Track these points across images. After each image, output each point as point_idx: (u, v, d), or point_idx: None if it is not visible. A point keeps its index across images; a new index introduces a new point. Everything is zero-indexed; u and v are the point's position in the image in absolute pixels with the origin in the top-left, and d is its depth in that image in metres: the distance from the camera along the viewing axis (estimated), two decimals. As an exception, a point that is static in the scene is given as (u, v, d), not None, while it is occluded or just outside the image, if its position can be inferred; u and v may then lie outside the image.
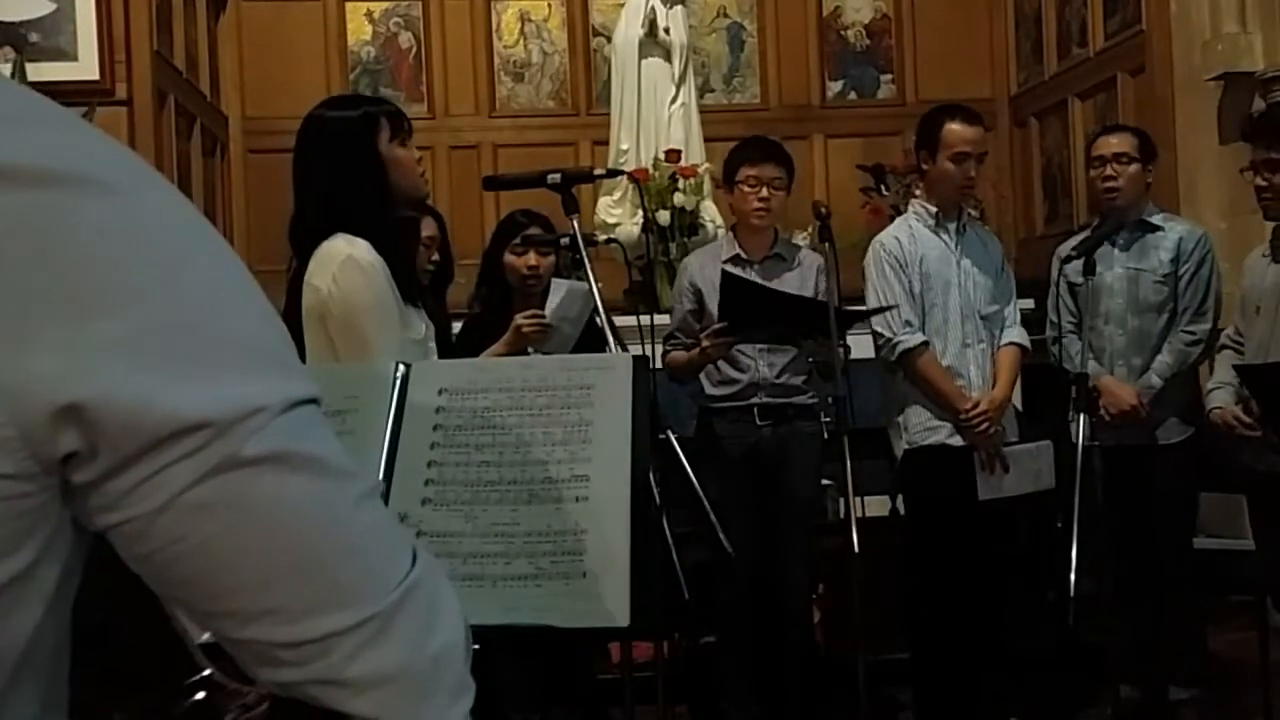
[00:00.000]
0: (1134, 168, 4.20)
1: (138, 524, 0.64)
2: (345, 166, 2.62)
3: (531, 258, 3.92)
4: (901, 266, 3.98)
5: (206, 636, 0.77)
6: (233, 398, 0.64)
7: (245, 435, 0.64)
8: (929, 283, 3.99)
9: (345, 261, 2.54)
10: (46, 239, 0.60)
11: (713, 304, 4.10)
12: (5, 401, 0.59)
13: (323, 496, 0.68)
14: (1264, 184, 3.89)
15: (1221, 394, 3.98)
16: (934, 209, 4.04)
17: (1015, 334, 4.08)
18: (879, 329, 3.98)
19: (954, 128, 4.01)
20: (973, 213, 4.28)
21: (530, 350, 3.65)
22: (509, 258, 3.96)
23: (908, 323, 3.95)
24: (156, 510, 0.64)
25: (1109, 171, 4.20)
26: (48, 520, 0.64)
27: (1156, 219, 4.27)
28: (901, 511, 4.61)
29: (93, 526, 0.66)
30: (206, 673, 0.76)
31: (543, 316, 3.70)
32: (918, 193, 4.26)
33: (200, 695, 0.75)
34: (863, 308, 4.07)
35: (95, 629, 0.69)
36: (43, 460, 0.62)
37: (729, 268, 4.11)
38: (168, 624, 0.75)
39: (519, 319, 3.68)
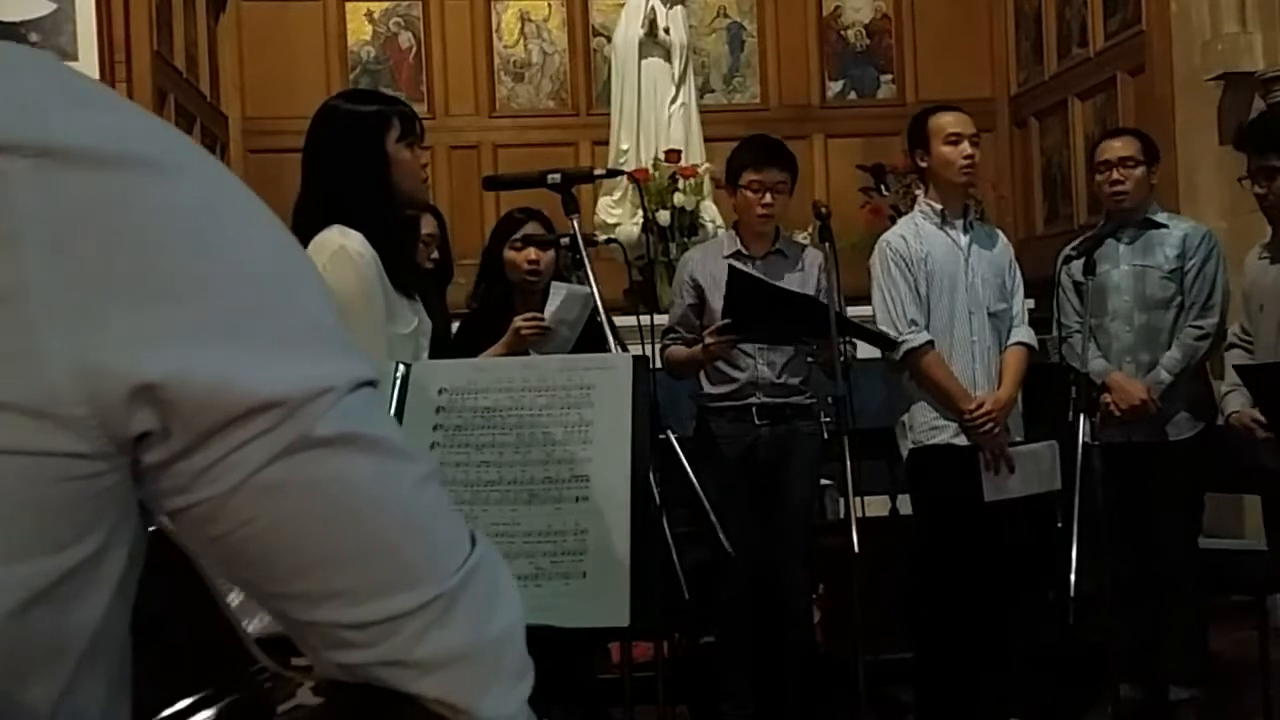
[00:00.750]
0: (1139, 170, 4.20)
1: (209, 505, 0.64)
2: (349, 160, 2.66)
3: (532, 253, 3.92)
4: (907, 265, 3.98)
5: (254, 626, 0.77)
6: (303, 377, 0.64)
7: (316, 415, 0.64)
8: (935, 281, 3.99)
9: (337, 252, 2.58)
10: (115, 220, 0.61)
11: (713, 299, 4.10)
12: (80, 381, 0.60)
13: (389, 478, 0.68)
14: (1263, 192, 3.89)
15: (1237, 397, 3.98)
16: (939, 206, 4.04)
17: (1023, 334, 4.08)
18: (884, 328, 3.98)
19: (942, 117, 4.07)
20: (974, 214, 4.26)
21: (529, 352, 3.65)
22: (509, 254, 3.95)
23: (913, 322, 3.95)
24: (229, 491, 0.64)
25: (1115, 175, 4.20)
26: (117, 504, 0.64)
27: (1161, 217, 4.28)
28: (902, 512, 4.61)
29: (161, 510, 0.66)
30: (262, 663, 0.76)
31: (542, 319, 3.70)
32: (918, 193, 4.26)
33: (257, 686, 0.75)
34: (868, 310, 4.07)
35: (150, 619, 0.68)
36: (117, 440, 0.62)
37: (733, 263, 4.11)
38: (219, 614, 0.75)
39: (518, 321, 3.68)
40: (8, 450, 0.59)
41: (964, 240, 4.05)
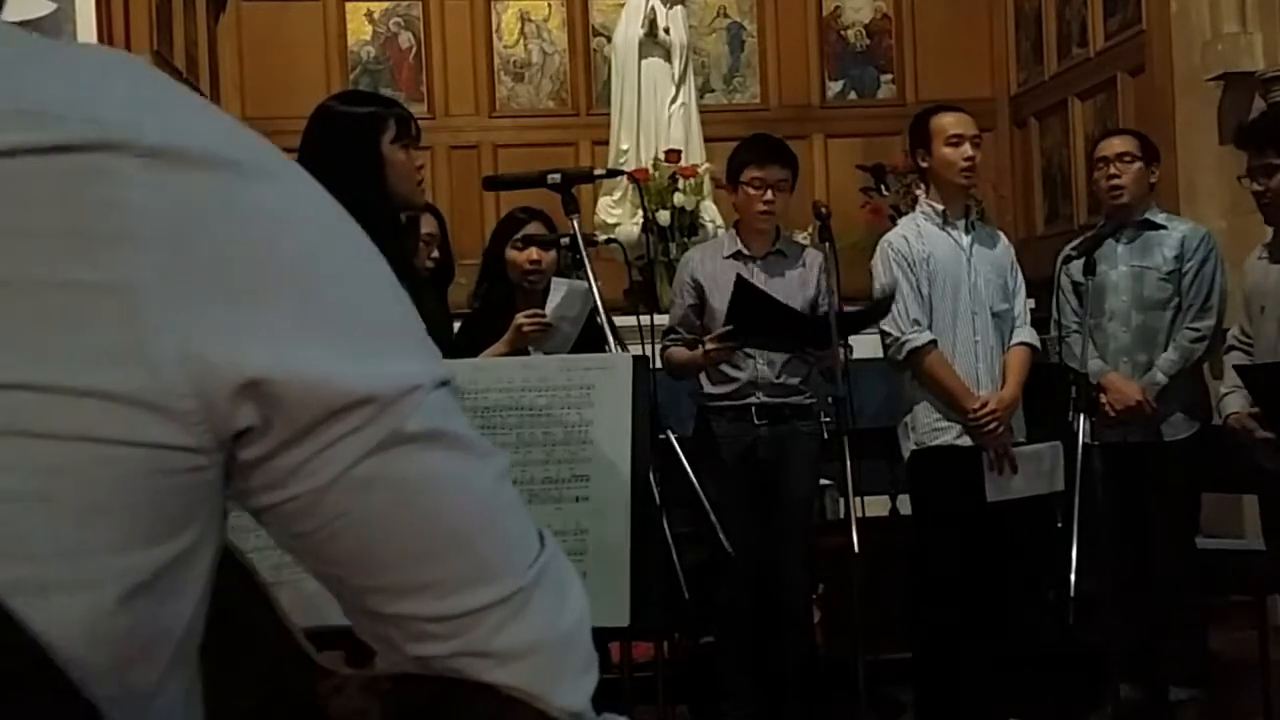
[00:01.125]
0: (1137, 166, 4.21)
1: (303, 501, 0.66)
2: (344, 161, 2.63)
3: (533, 253, 3.92)
4: (909, 265, 3.98)
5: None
6: (395, 374, 0.66)
7: (407, 412, 0.66)
8: (937, 281, 3.99)
9: None
10: (221, 220, 0.63)
11: (714, 299, 4.10)
12: (190, 376, 0.61)
13: (472, 474, 0.70)
14: (1261, 189, 3.90)
15: (1236, 398, 3.98)
16: (940, 207, 4.04)
17: (1026, 334, 4.08)
18: (886, 328, 3.98)
19: (943, 117, 4.07)
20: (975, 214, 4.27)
21: (530, 350, 3.65)
22: (510, 253, 3.95)
23: (915, 321, 3.95)
24: (324, 486, 0.65)
25: (1112, 170, 4.21)
26: (211, 499, 0.66)
27: (1160, 218, 4.28)
28: (902, 512, 4.61)
29: (250, 506, 0.68)
30: (316, 659, 0.77)
31: (543, 316, 3.70)
32: (919, 193, 4.26)
33: (320, 683, 0.76)
34: (863, 307, 4.06)
35: (211, 616, 0.69)
36: (220, 435, 0.63)
37: (734, 263, 4.11)
38: (271, 610, 0.76)
39: (520, 318, 3.68)
40: (123, 441, 0.60)
41: (966, 241, 4.05)
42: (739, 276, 3.98)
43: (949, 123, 4.04)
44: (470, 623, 0.69)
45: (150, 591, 0.63)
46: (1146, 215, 4.25)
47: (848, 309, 3.93)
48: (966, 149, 4.01)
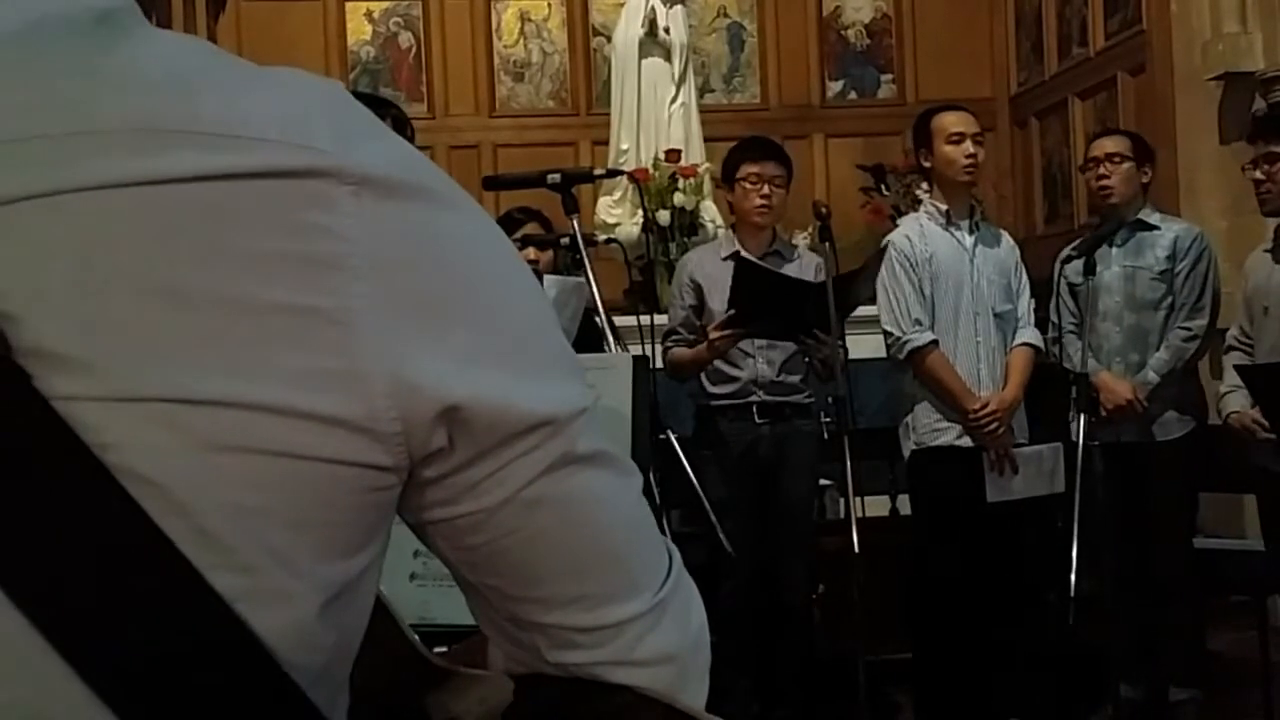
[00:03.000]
0: (1126, 166, 4.21)
1: (476, 518, 0.69)
2: None
3: (530, 253, 3.93)
4: (912, 265, 3.98)
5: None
6: (567, 398, 0.69)
7: (576, 433, 0.69)
8: (940, 281, 3.99)
9: None
10: (423, 249, 0.65)
11: (713, 300, 4.11)
12: (397, 401, 0.64)
13: (624, 493, 0.74)
14: (1262, 177, 3.90)
15: (1237, 397, 3.98)
16: (944, 207, 4.05)
17: (1028, 334, 4.08)
18: (888, 327, 3.98)
19: (945, 116, 4.08)
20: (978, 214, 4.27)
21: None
22: (508, 256, 3.96)
23: (917, 321, 3.95)
24: (498, 505, 0.68)
25: (1102, 170, 4.22)
26: (392, 511, 0.69)
27: (1154, 219, 4.28)
28: (902, 512, 4.61)
29: (419, 519, 0.71)
30: (436, 662, 0.80)
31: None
32: (920, 193, 4.27)
33: (439, 685, 0.79)
34: (872, 310, 4.07)
35: None
36: (414, 456, 0.66)
37: (732, 264, 4.11)
38: (387, 615, 0.78)
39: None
40: (335, 460, 0.63)
41: (969, 241, 4.05)
42: (738, 256, 4.00)
43: (951, 121, 4.04)
44: (615, 634, 0.73)
45: (342, 600, 0.66)
46: (1140, 215, 4.25)
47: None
48: (968, 147, 4.01)
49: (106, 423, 0.59)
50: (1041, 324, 4.38)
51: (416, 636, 0.80)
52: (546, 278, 3.88)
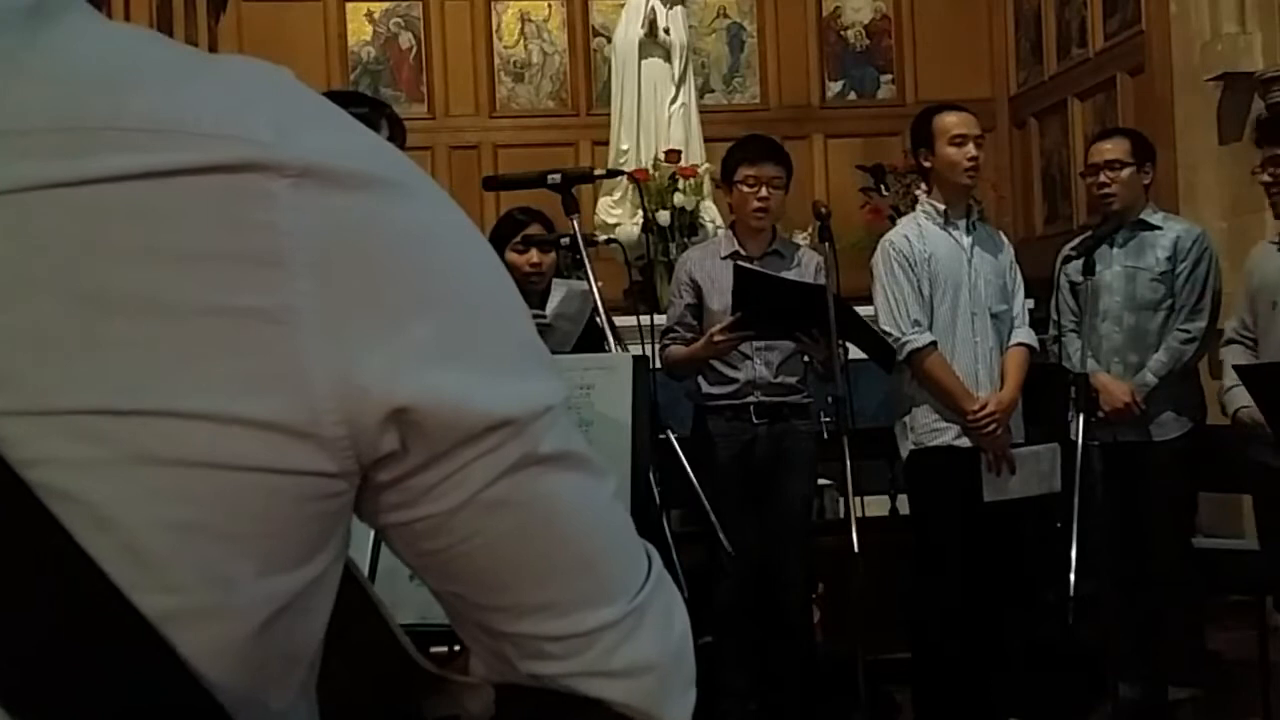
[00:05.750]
0: (1127, 172, 4.20)
1: (433, 521, 0.65)
2: None
3: (534, 255, 3.93)
4: (910, 265, 3.98)
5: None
6: (530, 395, 0.65)
7: (540, 433, 0.65)
8: (938, 281, 3.99)
9: None
10: (369, 242, 0.61)
11: (711, 299, 4.11)
12: (341, 403, 0.60)
13: (593, 494, 0.70)
14: (1271, 180, 3.89)
15: (1242, 392, 3.98)
16: (942, 207, 4.04)
17: (1024, 334, 4.08)
18: (886, 328, 3.98)
19: (946, 117, 4.07)
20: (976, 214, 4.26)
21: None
22: (510, 255, 3.95)
23: (915, 322, 3.95)
24: (456, 508, 0.65)
25: (1102, 179, 4.21)
26: (345, 519, 0.65)
27: (1155, 219, 4.28)
28: (901, 512, 4.61)
29: (377, 524, 0.67)
30: (428, 668, 0.77)
31: (543, 316, 3.70)
32: (919, 193, 4.26)
33: (427, 692, 0.76)
34: (870, 310, 4.07)
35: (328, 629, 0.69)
36: (363, 461, 0.63)
37: (731, 264, 4.12)
38: (381, 620, 0.76)
39: (519, 320, 3.68)
40: (274, 469, 0.60)
41: (967, 241, 4.05)
42: (737, 263, 4.00)
43: (952, 122, 4.03)
44: (588, 642, 0.69)
45: (289, 613, 0.63)
46: (1141, 216, 4.25)
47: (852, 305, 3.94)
48: (970, 149, 4.00)
49: (28, 438, 0.57)
50: (1041, 323, 4.39)
51: (409, 640, 0.77)
52: (554, 281, 3.89)
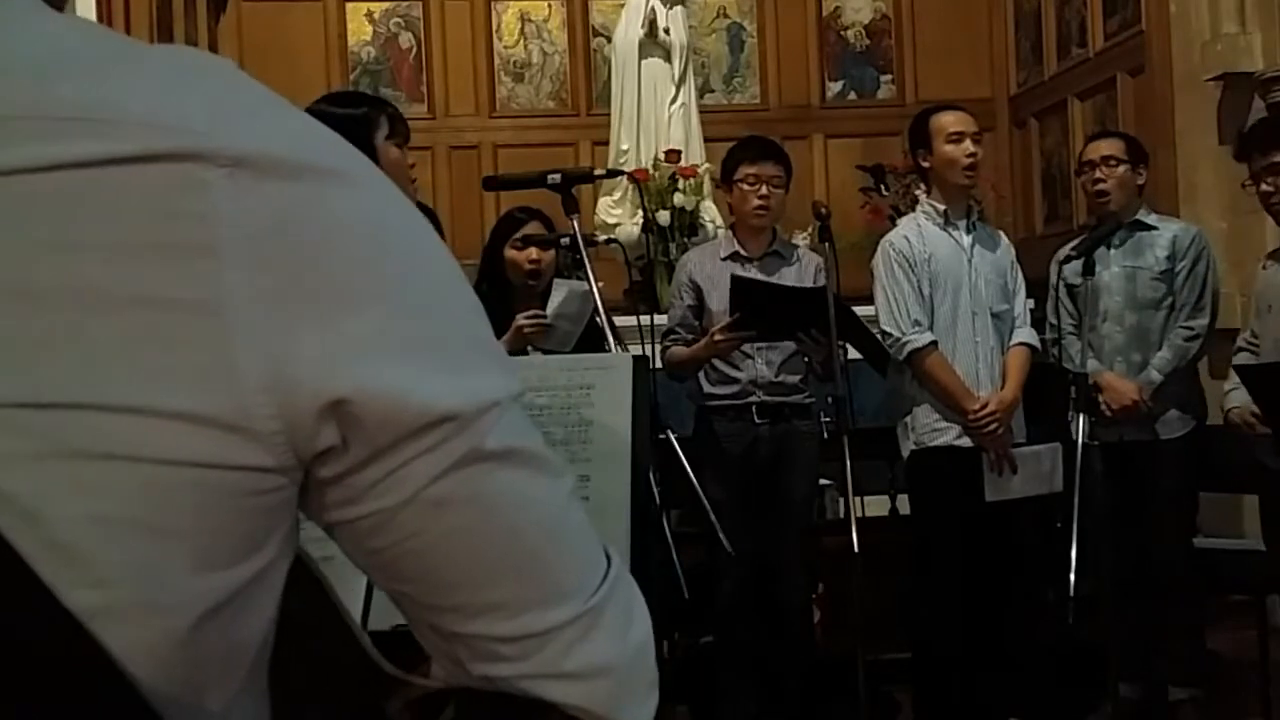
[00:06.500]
0: (1121, 169, 4.20)
1: (377, 519, 0.64)
2: None
3: (533, 253, 3.92)
4: (910, 266, 3.98)
5: None
6: (475, 390, 0.64)
7: (486, 429, 0.64)
8: (938, 281, 3.99)
9: None
10: (307, 232, 0.60)
11: (711, 300, 4.11)
12: (274, 396, 0.59)
13: (546, 492, 0.68)
14: (1270, 189, 3.88)
15: (1240, 394, 3.98)
16: (942, 207, 4.04)
17: (1025, 334, 4.08)
18: (887, 328, 3.98)
19: (943, 116, 4.07)
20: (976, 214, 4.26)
21: (530, 350, 3.65)
22: (510, 253, 3.95)
23: (916, 322, 3.95)
24: (399, 505, 0.64)
25: (1097, 175, 4.21)
26: (287, 515, 0.64)
27: (1150, 219, 4.28)
28: (901, 512, 4.61)
29: (322, 521, 0.66)
30: (388, 670, 0.75)
31: (543, 315, 3.70)
32: (919, 193, 4.26)
33: (384, 693, 0.75)
34: (870, 310, 4.07)
35: (281, 628, 0.68)
36: (301, 455, 0.62)
37: (731, 265, 4.12)
38: (340, 621, 0.75)
39: (520, 319, 3.68)
40: (207, 464, 0.59)
41: (967, 241, 4.05)
42: (733, 275, 4.00)
43: (950, 121, 4.04)
44: (540, 643, 0.68)
45: (227, 612, 0.62)
46: (1137, 216, 4.25)
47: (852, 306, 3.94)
48: (968, 146, 4.00)
49: None
50: (1040, 324, 4.39)
51: (370, 641, 0.76)
52: (555, 281, 3.89)
